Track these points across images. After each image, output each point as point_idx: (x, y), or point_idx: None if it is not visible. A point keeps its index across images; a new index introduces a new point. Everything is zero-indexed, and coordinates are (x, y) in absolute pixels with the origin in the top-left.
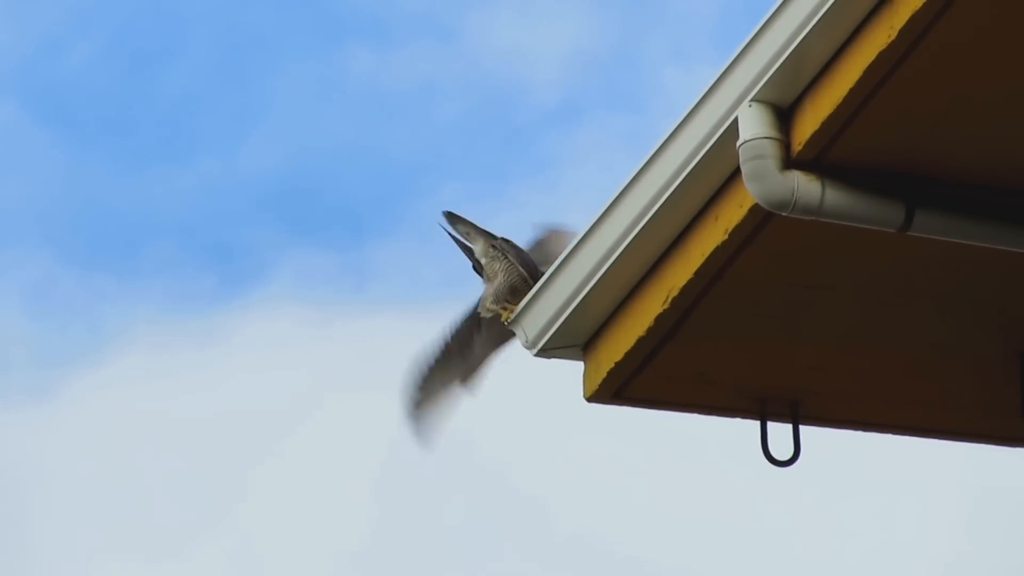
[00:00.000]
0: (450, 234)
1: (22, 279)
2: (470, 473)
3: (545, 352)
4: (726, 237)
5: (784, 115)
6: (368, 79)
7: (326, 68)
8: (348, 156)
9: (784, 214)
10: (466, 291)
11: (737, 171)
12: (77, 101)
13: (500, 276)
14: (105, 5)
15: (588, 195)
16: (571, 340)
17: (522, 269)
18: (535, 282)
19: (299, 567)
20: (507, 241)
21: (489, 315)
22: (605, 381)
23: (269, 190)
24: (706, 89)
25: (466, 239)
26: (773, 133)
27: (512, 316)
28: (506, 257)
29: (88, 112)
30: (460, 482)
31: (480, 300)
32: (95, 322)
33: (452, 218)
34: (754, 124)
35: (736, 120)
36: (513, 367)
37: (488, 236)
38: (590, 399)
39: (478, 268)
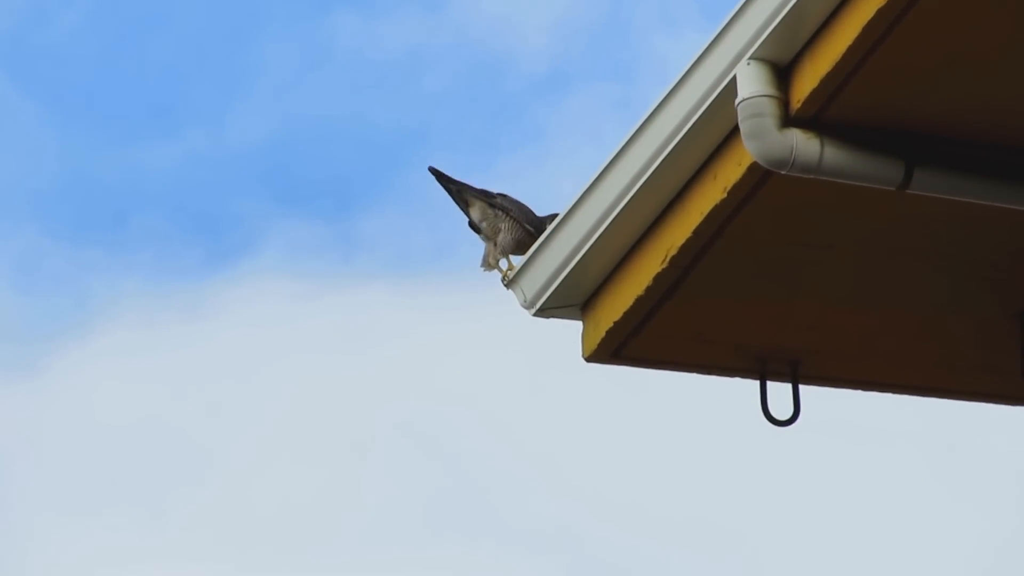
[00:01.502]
0: (445, 187)
1: (9, 252)
2: (467, 433)
3: (543, 312)
4: (725, 196)
5: (783, 73)
6: (355, 48)
7: (313, 38)
8: (336, 126)
9: (783, 172)
10: (455, 262)
11: (736, 129)
12: (62, 72)
13: (504, 234)
14: None
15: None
16: (569, 300)
17: (527, 225)
18: (540, 234)
19: (283, 535)
20: (504, 196)
21: (489, 271)
22: (604, 341)
23: (257, 161)
24: (704, 47)
25: (459, 199)
26: (771, 91)
27: (510, 276)
28: (508, 215)
29: (74, 83)
30: (456, 445)
31: (484, 258)
32: (82, 295)
33: (440, 177)
34: (752, 82)
35: (734, 78)
36: (510, 327)
37: (485, 196)
38: (589, 359)
39: (475, 226)
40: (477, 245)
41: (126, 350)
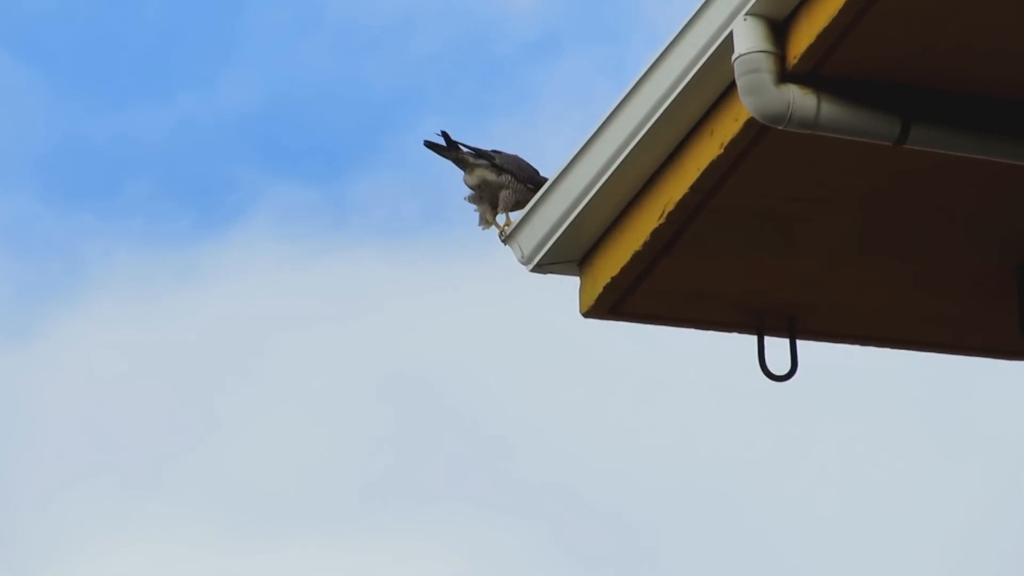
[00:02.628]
0: (440, 148)
1: (1, 217)
2: (462, 394)
3: (541, 267)
4: (722, 151)
5: (779, 28)
6: (346, 13)
7: (304, 2)
8: (327, 90)
9: (780, 128)
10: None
11: (732, 85)
12: (54, 37)
13: (505, 194)
14: None
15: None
16: (567, 255)
17: (527, 184)
18: (538, 189)
19: (277, 500)
20: (500, 154)
21: (487, 228)
22: (601, 296)
23: (248, 126)
24: (701, 3)
25: (461, 165)
26: (768, 47)
27: (508, 232)
28: (513, 177)
29: (65, 48)
30: (450, 406)
31: (480, 216)
32: (75, 260)
33: (448, 142)
34: (749, 38)
35: (731, 34)
36: (505, 287)
37: (486, 157)
38: (586, 314)
39: (476, 192)
40: (469, 206)
41: (118, 315)
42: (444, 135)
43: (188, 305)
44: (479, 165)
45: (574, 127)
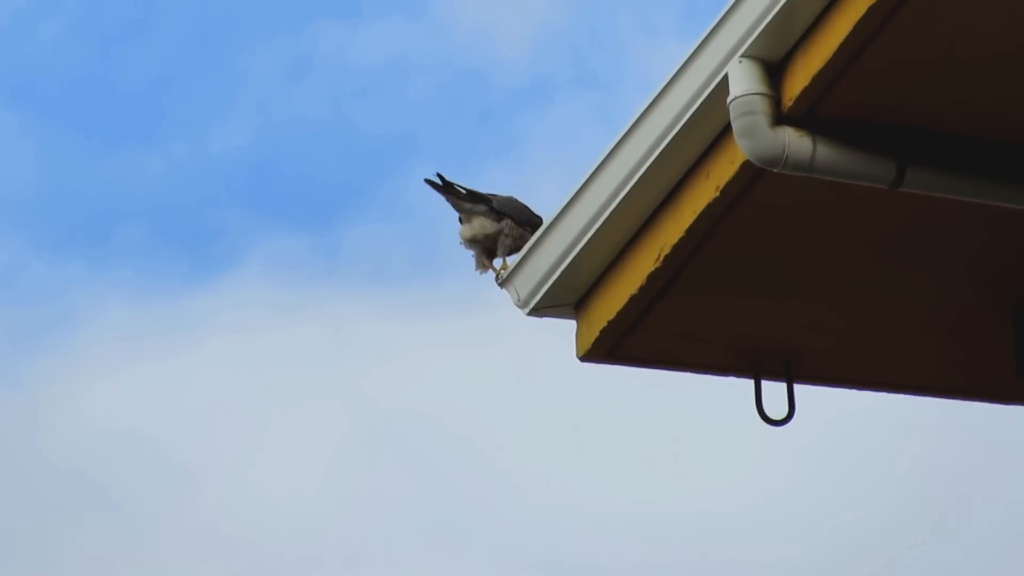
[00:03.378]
0: (440, 188)
1: None
2: (455, 439)
3: (537, 311)
4: (718, 194)
5: (774, 70)
6: (337, 57)
7: (295, 46)
8: (318, 136)
9: (775, 170)
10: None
11: (728, 127)
12: (45, 83)
13: (504, 240)
14: None
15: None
16: (563, 299)
17: (526, 227)
18: (535, 230)
19: (267, 545)
20: (496, 198)
21: (484, 272)
22: (598, 340)
23: (239, 172)
24: (696, 45)
25: (458, 209)
26: (763, 89)
27: (504, 275)
28: (512, 220)
29: (56, 94)
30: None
31: (477, 261)
32: (65, 307)
33: (444, 184)
34: (744, 80)
35: (726, 76)
36: (499, 332)
37: (484, 201)
38: (583, 358)
39: (473, 240)
40: (460, 252)
41: (109, 363)
42: (440, 178)
43: (179, 353)
44: (477, 212)
45: (565, 173)
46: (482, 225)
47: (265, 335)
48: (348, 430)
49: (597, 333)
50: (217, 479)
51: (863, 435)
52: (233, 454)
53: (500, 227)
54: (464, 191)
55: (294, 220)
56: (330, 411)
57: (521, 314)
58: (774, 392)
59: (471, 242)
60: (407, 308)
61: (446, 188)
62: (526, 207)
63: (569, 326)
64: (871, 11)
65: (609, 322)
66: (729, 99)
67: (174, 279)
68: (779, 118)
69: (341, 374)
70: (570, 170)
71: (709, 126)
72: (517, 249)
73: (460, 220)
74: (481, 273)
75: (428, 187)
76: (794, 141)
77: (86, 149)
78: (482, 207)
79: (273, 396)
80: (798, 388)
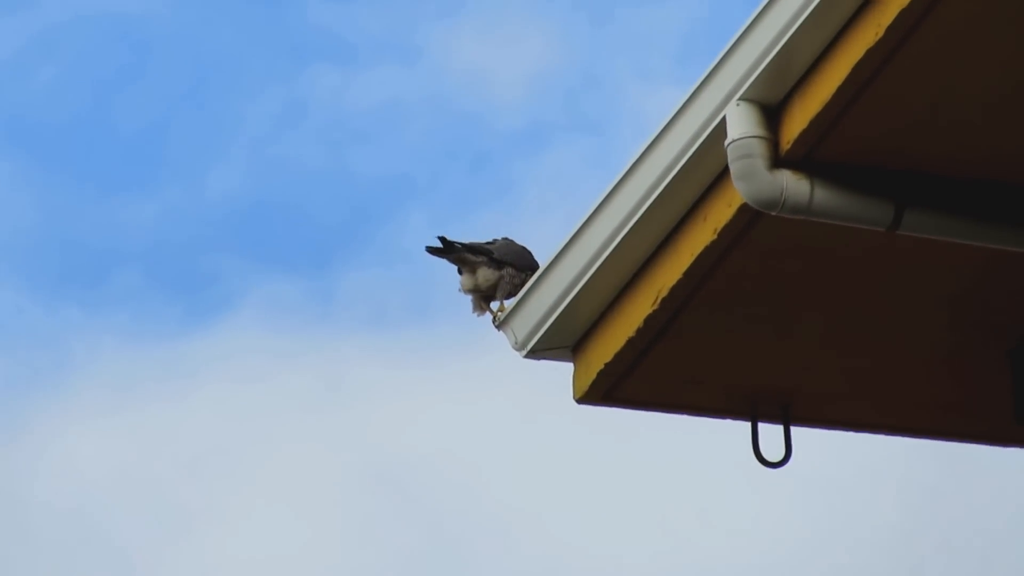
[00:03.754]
0: (441, 251)
1: None
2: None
3: (534, 353)
4: (715, 237)
5: (772, 113)
6: (332, 102)
7: (290, 91)
8: (313, 182)
9: (773, 213)
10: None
11: (725, 170)
12: (40, 128)
13: (504, 286)
14: (68, 30)
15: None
16: (561, 341)
17: (525, 272)
18: (532, 273)
19: None
20: (494, 245)
21: (482, 315)
22: (595, 382)
23: (235, 216)
24: (694, 88)
25: (460, 264)
26: (761, 132)
27: (501, 318)
28: (513, 267)
29: (52, 137)
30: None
31: (474, 304)
32: (61, 353)
33: (445, 244)
34: (742, 123)
35: (724, 119)
36: (501, 371)
37: (484, 252)
38: (580, 400)
39: (473, 289)
40: (455, 296)
41: (105, 406)
42: (442, 240)
43: (175, 398)
44: (479, 263)
45: (560, 218)
46: (485, 276)
47: (261, 380)
48: (344, 475)
49: (594, 376)
50: (213, 524)
51: (860, 477)
52: (229, 499)
53: (501, 275)
54: (463, 246)
55: (290, 264)
56: (326, 456)
57: (518, 357)
58: (771, 434)
59: (472, 291)
60: (403, 353)
61: (448, 250)
62: (524, 250)
63: (566, 369)
64: (868, 54)
65: (606, 364)
66: (727, 142)
67: (170, 323)
68: (777, 161)
69: (337, 419)
70: (565, 214)
71: (707, 169)
72: (515, 292)
73: (459, 271)
74: (479, 316)
75: (432, 254)
76: (792, 184)
77: (82, 193)
78: (483, 258)
79: (269, 441)
80: (795, 430)
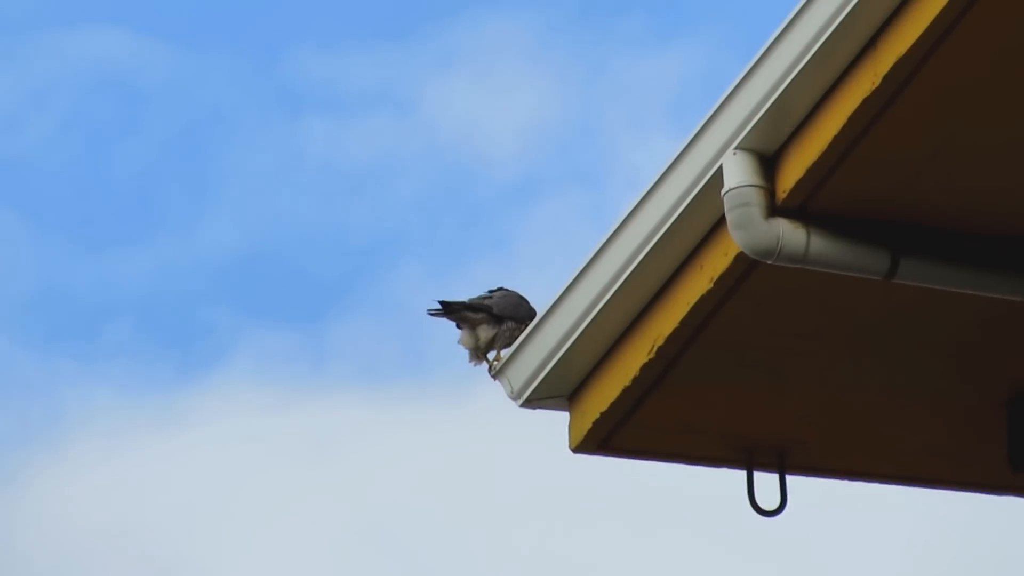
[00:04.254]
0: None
1: None
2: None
3: (530, 403)
4: (711, 286)
5: (769, 163)
6: (325, 153)
7: (283, 143)
8: (306, 234)
9: (769, 262)
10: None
11: (722, 219)
12: (33, 181)
13: (502, 338)
14: (60, 82)
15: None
16: (556, 390)
17: (524, 323)
18: (530, 322)
19: None
20: (492, 299)
21: (479, 365)
22: (591, 431)
23: (227, 270)
24: (691, 137)
25: (463, 323)
26: (758, 181)
27: (497, 367)
28: (513, 320)
29: (44, 192)
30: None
31: (471, 354)
32: (54, 406)
33: (445, 306)
34: (739, 172)
35: (721, 168)
36: (494, 422)
37: (484, 309)
38: (576, 449)
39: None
40: (448, 347)
41: (98, 460)
42: (442, 303)
43: (167, 450)
44: (479, 320)
45: (553, 270)
46: (485, 334)
47: (253, 432)
48: (337, 527)
49: (590, 425)
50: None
51: (856, 526)
52: (221, 551)
53: (500, 330)
54: (463, 304)
55: (282, 317)
56: (319, 508)
57: (514, 406)
58: (766, 483)
59: (472, 349)
60: (396, 405)
61: (448, 311)
62: (521, 300)
63: (562, 418)
64: (865, 104)
65: (602, 413)
66: (723, 191)
67: (163, 376)
68: (773, 210)
69: (330, 471)
70: (559, 267)
71: (703, 217)
72: (513, 342)
73: (458, 326)
74: (475, 366)
75: (429, 310)
76: (788, 233)
77: (75, 245)
78: (483, 315)
79: (261, 493)
80: (790, 479)
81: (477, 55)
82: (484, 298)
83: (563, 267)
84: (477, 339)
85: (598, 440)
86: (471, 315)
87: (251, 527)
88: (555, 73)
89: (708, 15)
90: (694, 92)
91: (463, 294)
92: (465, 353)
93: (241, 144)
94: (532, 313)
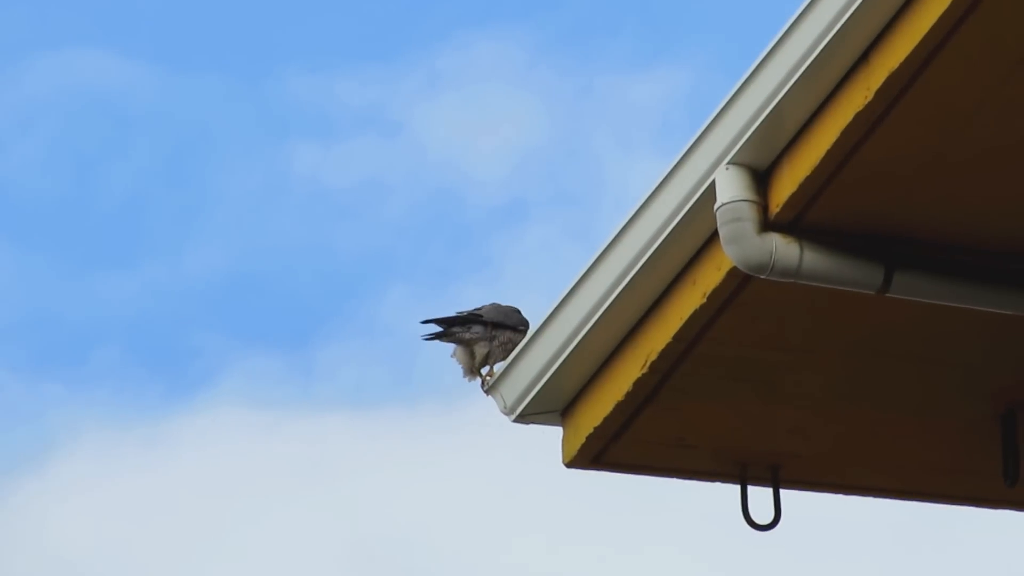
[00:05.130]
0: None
1: None
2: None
3: (523, 418)
4: (704, 300)
5: (761, 177)
6: (312, 176)
7: (270, 165)
8: (293, 256)
9: (762, 277)
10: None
11: (715, 234)
12: (19, 206)
13: (498, 352)
14: (46, 105)
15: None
16: (550, 405)
17: (517, 333)
18: (524, 332)
19: None
20: (480, 315)
21: (473, 380)
22: (584, 446)
23: (215, 293)
24: (683, 152)
25: (459, 343)
26: (750, 195)
27: (491, 382)
28: (508, 329)
29: (31, 216)
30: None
31: (464, 370)
32: (42, 429)
33: (437, 324)
34: (731, 187)
35: (713, 183)
36: (485, 440)
37: (475, 320)
38: (569, 464)
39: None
40: (436, 369)
41: (85, 484)
42: (434, 324)
43: (156, 474)
44: (474, 340)
45: (541, 291)
46: (480, 351)
47: (242, 455)
48: (327, 550)
49: (583, 440)
50: None
51: (849, 540)
52: (209, 573)
53: (494, 345)
54: (452, 320)
55: (270, 340)
56: (308, 531)
57: (505, 423)
58: (760, 497)
59: (472, 371)
60: (384, 427)
61: (441, 331)
62: (511, 309)
63: (555, 433)
64: (858, 118)
65: (595, 428)
66: (716, 206)
67: (150, 399)
68: (766, 224)
69: (319, 494)
70: (546, 288)
71: (696, 233)
72: (508, 355)
73: (457, 353)
74: (469, 381)
75: (424, 336)
76: (781, 247)
77: (62, 269)
78: (478, 332)
79: (250, 518)
80: (784, 493)
81: (464, 77)
82: (474, 309)
83: (550, 289)
84: (473, 356)
85: (591, 455)
86: (465, 335)
87: (240, 549)
88: (542, 94)
89: (695, 37)
90: (681, 113)
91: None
92: (459, 368)
93: (228, 167)
94: (525, 321)
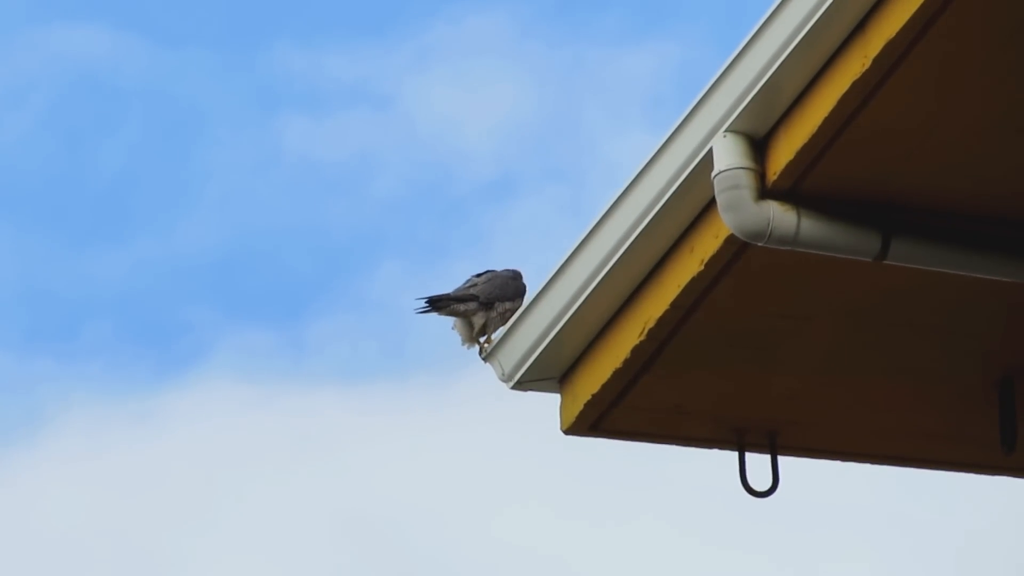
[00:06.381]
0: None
1: None
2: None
3: (521, 385)
4: (702, 268)
5: (759, 145)
6: (303, 150)
7: (260, 140)
8: (285, 232)
9: (760, 244)
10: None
11: (712, 202)
12: (11, 181)
13: (495, 320)
14: (37, 80)
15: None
16: (547, 373)
17: (515, 301)
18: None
19: None
20: (476, 288)
21: (471, 348)
22: (582, 413)
23: (206, 268)
24: (680, 120)
25: (455, 315)
26: (748, 163)
27: (488, 349)
28: (503, 300)
29: (22, 190)
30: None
31: (463, 339)
32: (33, 403)
33: (432, 302)
34: (729, 154)
35: (711, 151)
36: (480, 411)
37: (471, 300)
38: (567, 431)
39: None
40: (428, 343)
41: (77, 458)
42: (429, 300)
43: (147, 448)
44: (469, 311)
45: (532, 266)
46: (478, 321)
47: (233, 429)
48: (319, 523)
49: (581, 407)
50: (185, 573)
51: (848, 506)
52: (202, 548)
53: (491, 315)
54: (449, 298)
55: (261, 315)
56: (300, 505)
57: (503, 390)
58: (758, 464)
59: (467, 338)
60: (376, 400)
61: (437, 307)
62: (508, 280)
63: (553, 400)
64: (855, 86)
65: (593, 395)
66: (714, 173)
67: (142, 374)
68: (764, 192)
69: (311, 467)
70: (537, 262)
71: (694, 200)
72: (505, 321)
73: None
74: (468, 348)
75: (420, 307)
76: (778, 215)
77: (53, 245)
78: (472, 304)
79: (242, 490)
80: (782, 460)
81: (455, 51)
82: (469, 286)
83: (541, 262)
84: (471, 327)
85: (589, 422)
86: (460, 307)
87: (232, 523)
88: (533, 68)
89: (685, 10)
90: (671, 86)
91: (443, 289)
92: (457, 338)
93: (219, 141)
94: (522, 289)
